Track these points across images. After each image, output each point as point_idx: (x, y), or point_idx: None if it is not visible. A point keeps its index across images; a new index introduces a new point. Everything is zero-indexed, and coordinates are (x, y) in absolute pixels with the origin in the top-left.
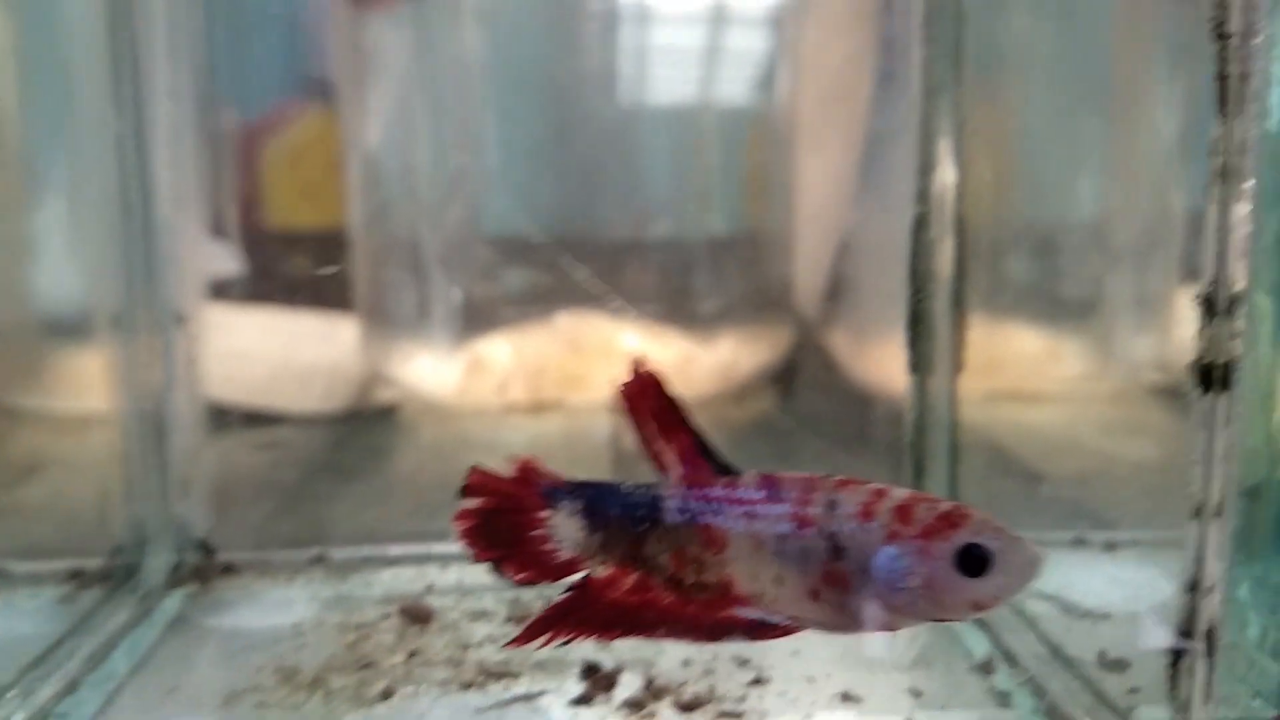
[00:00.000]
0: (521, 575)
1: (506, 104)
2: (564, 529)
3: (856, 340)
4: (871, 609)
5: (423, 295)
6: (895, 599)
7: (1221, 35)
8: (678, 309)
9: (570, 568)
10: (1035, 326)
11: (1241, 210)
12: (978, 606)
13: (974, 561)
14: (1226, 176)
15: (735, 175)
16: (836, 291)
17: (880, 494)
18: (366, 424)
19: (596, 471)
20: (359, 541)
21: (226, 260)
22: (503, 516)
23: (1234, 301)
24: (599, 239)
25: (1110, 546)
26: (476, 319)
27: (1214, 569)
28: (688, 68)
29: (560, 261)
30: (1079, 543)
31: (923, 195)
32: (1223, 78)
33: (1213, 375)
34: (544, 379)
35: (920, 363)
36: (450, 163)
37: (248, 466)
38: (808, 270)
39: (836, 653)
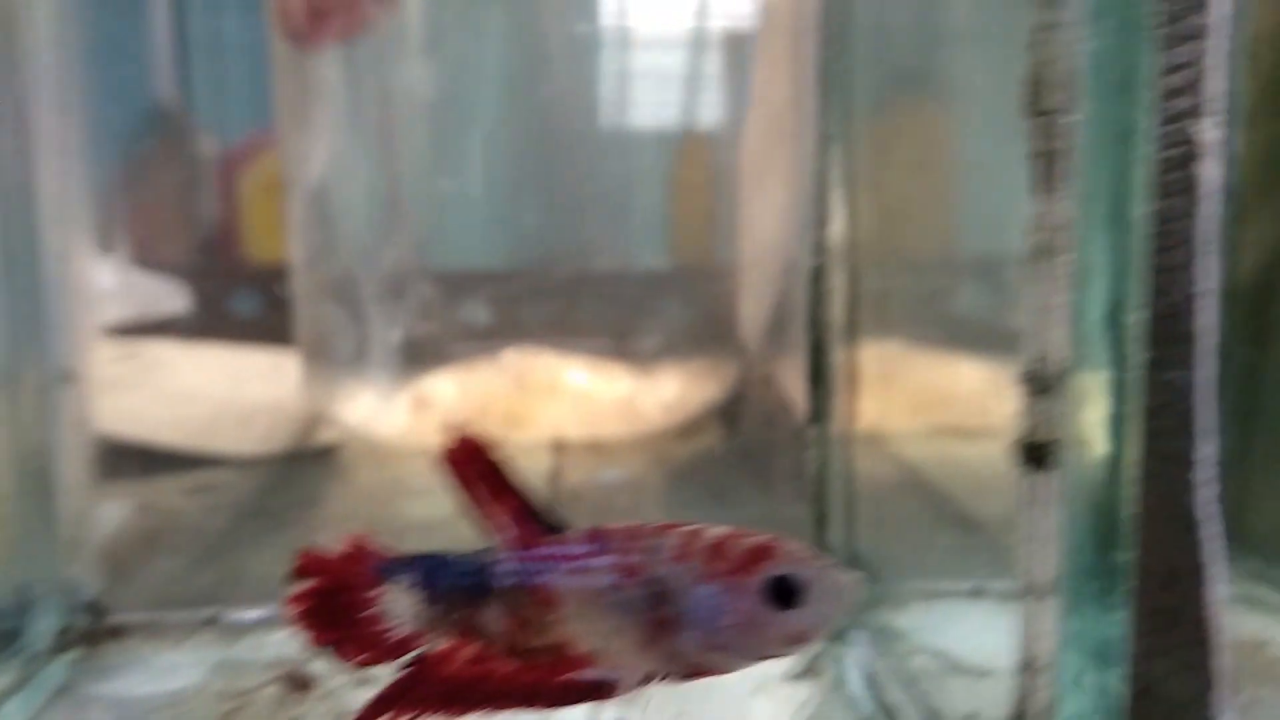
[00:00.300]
0: (359, 657)
1: (452, 140)
2: (399, 604)
3: (801, 376)
4: (697, 652)
5: (365, 333)
6: (716, 639)
7: (1038, 112)
8: (623, 345)
9: (408, 644)
10: (979, 361)
11: (1063, 287)
12: (795, 639)
13: (784, 593)
14: (1047, 253)
15: (681, 211)
16: (781, 328)
17: (696, 534)
18: (305, 466)
19: None
20: (266, 599)
21: (171, 297)
22: (336, 596)
23: (1058, 379)
24: (545, 273)
25: (1007, 596)
26: (422, 356)
27: (1048, 647)
28: (637, 104)
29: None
30: (976, 593)
31: (819, 247)
32: (1040, 155)
33: (1038, 453)
34: (488, 418)
35: (820, 412)
36: (391, 199)
37: (169, 515)
38: (754, 306)
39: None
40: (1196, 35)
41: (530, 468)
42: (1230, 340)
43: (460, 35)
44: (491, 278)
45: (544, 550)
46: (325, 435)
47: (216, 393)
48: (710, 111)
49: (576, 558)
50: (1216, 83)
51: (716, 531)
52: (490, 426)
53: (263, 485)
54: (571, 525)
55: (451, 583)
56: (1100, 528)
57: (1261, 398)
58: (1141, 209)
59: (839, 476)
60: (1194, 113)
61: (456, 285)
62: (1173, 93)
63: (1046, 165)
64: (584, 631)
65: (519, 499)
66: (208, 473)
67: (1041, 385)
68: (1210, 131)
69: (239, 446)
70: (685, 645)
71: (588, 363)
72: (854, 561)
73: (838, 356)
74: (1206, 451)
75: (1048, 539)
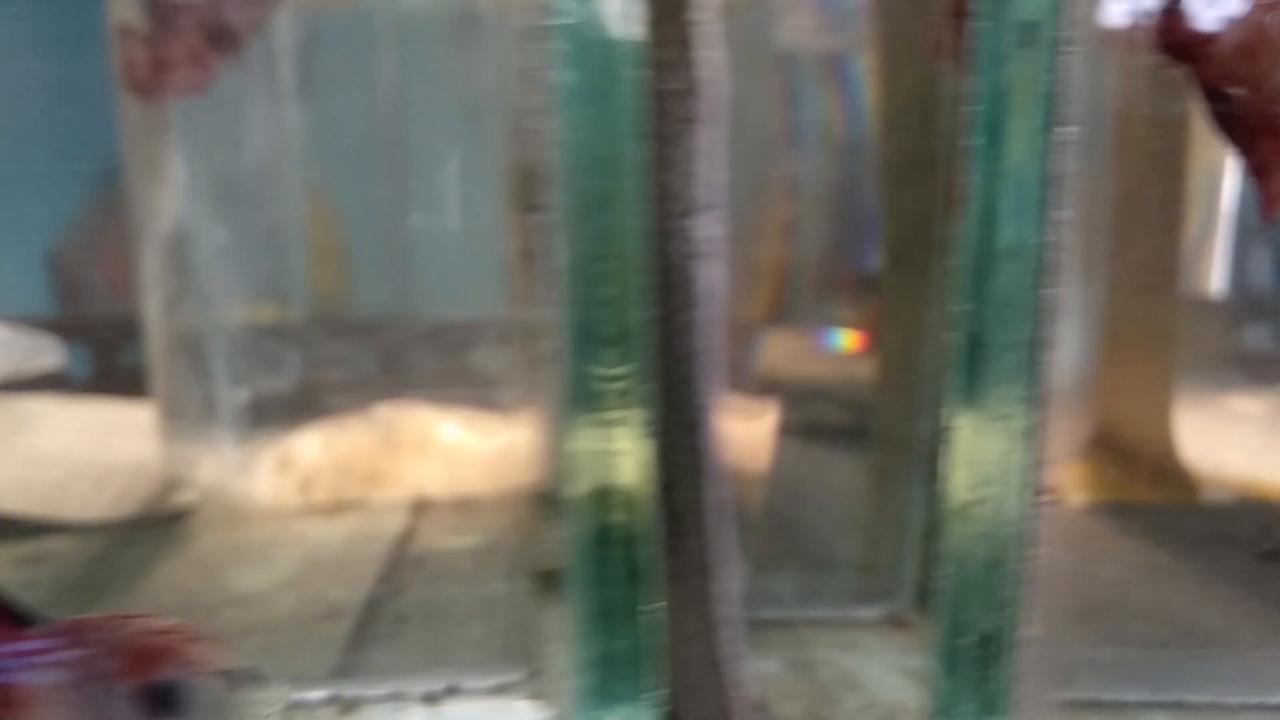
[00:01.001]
0: None
1: (309, 189)
2: None
3: None
4: None
5: (217, 390)
6: None
7: (526, 208)
8: (499, 396)
9: None
10: None
11: (556, 407)
12: None
13: (158, 702)
14: (541, 370)
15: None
16: None
17: (127, 627)
18: (150, 532)
19: (362, 582)
20: None
21: (47, 353)
22: None
23: (561, 504)
24: (414, 322)
25: None
26: (283, 413)
27: None
28: (489, 140)
29: (381, 349)
30: None
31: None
32: (525, 256)
33: (550, 581)
34: (350, 476)
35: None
36: (244, 250)
37: None
38: None
39: None
40: (689, 121)
41: (383, 530)
42: None
43: (325, 84)
44: (353, 327)
45: (15, 646)
46: (181, 498)
47: (77, 453)
48: None
49: (48, 651)
50: (714, 174)
51: (144, 626)
52: (351, 485)
53: (98, 554)
54: (48, 619)
55: None
56: (619, 669)
57: None
58: (638, 318)
59: None
60: (690, 210)
61: (316, 337)
62: (665, 187)
63: (532, 269)
64: None
65: None
66: (45, 541)
67: (548, 509)
68: (708, 228)
69: (89, 511)
70: None
71: (463, 416)
72: None
73: None
74: (725, 586)
75: (564, 679)
